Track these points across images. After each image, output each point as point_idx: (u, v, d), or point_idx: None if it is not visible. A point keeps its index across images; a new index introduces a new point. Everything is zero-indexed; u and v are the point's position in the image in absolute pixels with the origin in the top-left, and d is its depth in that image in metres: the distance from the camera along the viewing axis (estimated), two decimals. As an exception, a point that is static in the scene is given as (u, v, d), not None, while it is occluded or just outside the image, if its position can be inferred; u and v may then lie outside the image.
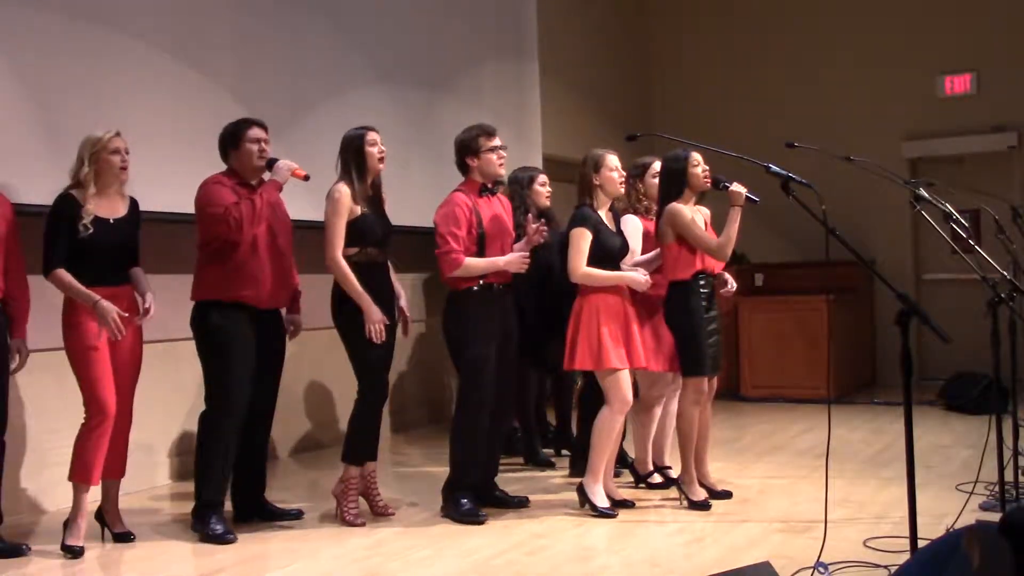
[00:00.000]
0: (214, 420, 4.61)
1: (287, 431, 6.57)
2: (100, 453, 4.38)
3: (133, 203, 4.58)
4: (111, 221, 4.42)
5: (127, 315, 4.39)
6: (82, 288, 4.32)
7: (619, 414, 4.80)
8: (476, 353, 4.83)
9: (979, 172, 9.38)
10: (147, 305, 4.47)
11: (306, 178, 4.72)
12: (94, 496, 4.55)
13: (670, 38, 10.97)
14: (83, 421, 4.38)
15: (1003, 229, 5.18)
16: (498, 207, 4.99)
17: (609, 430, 4.81)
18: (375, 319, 4.68)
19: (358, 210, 4.74)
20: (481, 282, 4.84)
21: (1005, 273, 4.61)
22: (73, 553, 4.31)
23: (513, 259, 4.85)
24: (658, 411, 5.38)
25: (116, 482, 4.58)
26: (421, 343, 7.81)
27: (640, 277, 4.82)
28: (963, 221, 4.66)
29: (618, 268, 4.87)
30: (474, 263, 4.80)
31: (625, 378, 4.77)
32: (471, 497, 4.87)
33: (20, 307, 4.41)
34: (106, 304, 4.30)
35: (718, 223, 5.00)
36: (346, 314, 4.76)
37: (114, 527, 4.57)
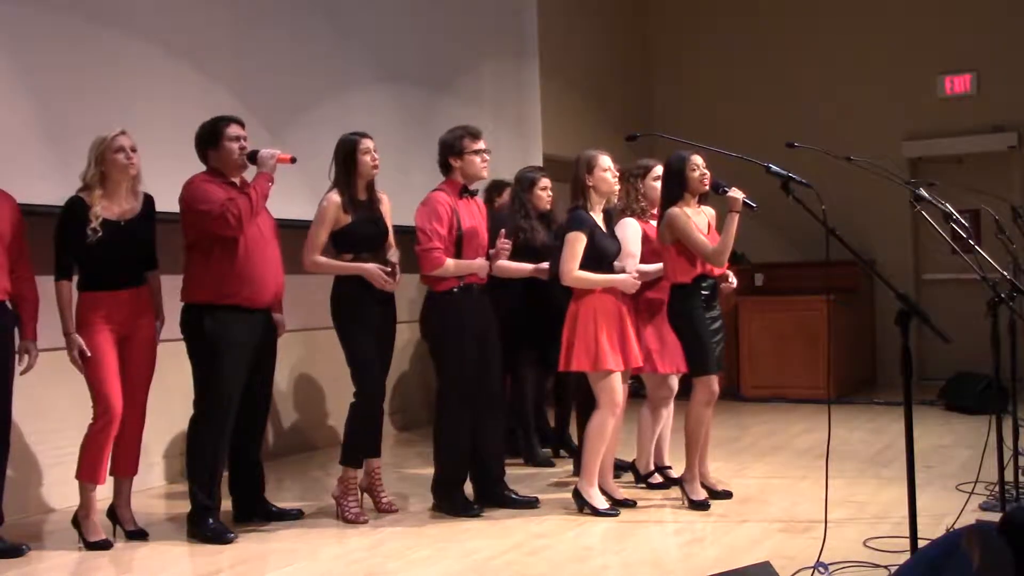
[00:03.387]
0: (204, 425, 4.59)
1: (286, 431, 6.57)
2: (106, 452, 4.40)
3: (148, 200, 4.55)
4: (121, 223, 4.41)
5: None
6: (67, 308, 4.35)
7: (611, 416, 4.80)
8: (458, 352, 4.87)
9: (979, 172, 9.37)
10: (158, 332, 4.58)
11: (292, 160, 4.67)
12: (103, 494, 4.56)
13: (670, 38, 10.96)
14: (91, 420, 4.40)
15: (1003, 229, 5.18)
16: (475, 210, 5.02)
17: (601, 432, 4.80)
18: (374, 273, 4.72)
19: (348, 218, 4.75)
20: (462, 283, 4.87)
21: (1005, 273, 4.61)
22: (102, 547, 4.36)
23: (486, 265, 4.93)
24: (665, 411, 5.38)
25: (128, 480, 4.59)
26: (422, 343, 7.78)
27: (629, 280, 4.83)
28: (963, 221, 4.65)
29: (612, 270, 4.89)
30: (454, 264, 4.84)
31: (618, 380, 4.78)
32: (462, 492, 4.91)
33: (29, 307, 4.41)
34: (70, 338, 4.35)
35: (718, 225, 5.00)
36: (341, 315, 4.79)
37: (127, 525, 4.57)
